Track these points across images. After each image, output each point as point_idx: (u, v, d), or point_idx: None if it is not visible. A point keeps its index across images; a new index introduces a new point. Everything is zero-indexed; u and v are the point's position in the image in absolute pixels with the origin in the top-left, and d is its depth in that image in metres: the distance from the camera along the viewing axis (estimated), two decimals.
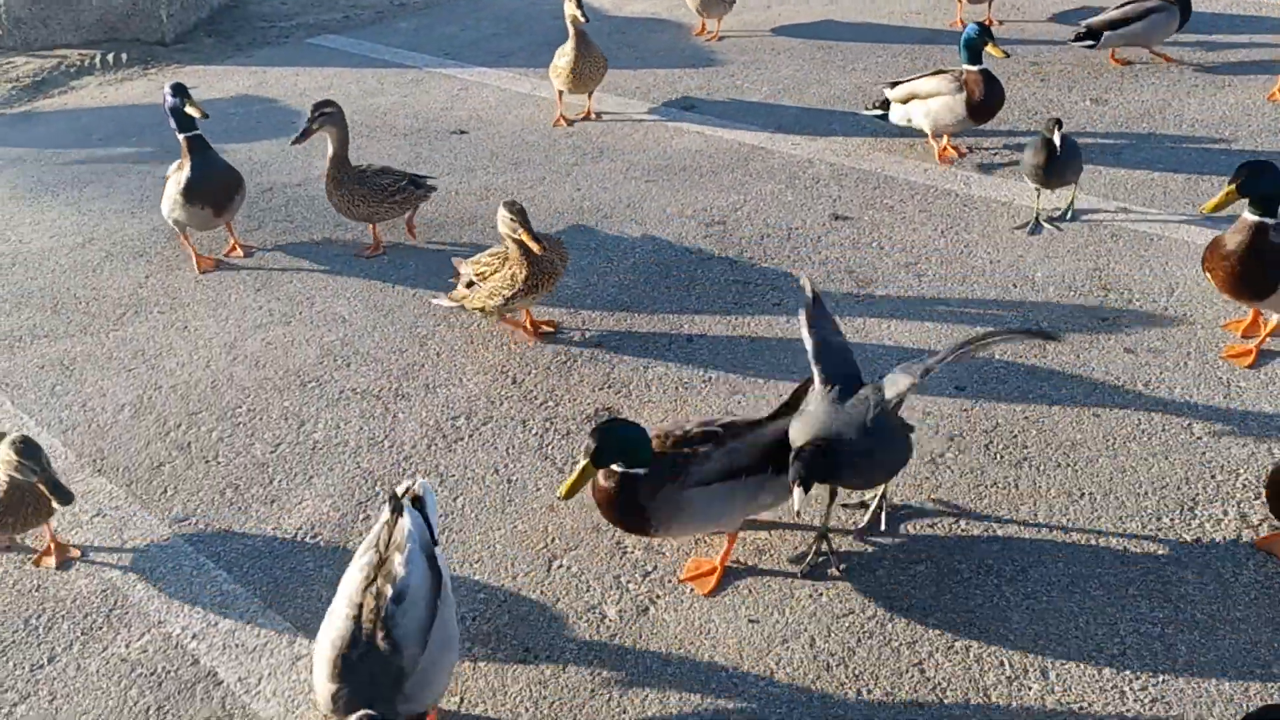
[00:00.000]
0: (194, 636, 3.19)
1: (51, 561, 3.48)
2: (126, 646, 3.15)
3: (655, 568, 3.35)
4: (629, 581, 3.31)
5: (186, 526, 3.64)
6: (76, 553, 3.54)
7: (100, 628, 3.23)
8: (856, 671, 2.93)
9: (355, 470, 3.87)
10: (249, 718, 2.91)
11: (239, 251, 5.45)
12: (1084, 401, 3.89)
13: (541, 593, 3.29)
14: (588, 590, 3.28)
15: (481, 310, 4.45)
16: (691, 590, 3.25)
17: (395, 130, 6.91)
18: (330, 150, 5.15)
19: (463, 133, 6.87)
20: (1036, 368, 4.11)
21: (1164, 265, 4.69)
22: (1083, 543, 3.29)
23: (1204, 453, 3.59)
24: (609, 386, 4.24)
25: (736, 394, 4.13)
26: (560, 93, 6.73)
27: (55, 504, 3.25)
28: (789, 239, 5.19)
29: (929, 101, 5.55)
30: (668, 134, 6.46)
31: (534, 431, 4.02)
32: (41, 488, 3.22)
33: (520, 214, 4.20)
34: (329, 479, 3.83)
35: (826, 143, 6.18)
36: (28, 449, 3.24)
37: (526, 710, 2.89)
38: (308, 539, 3.56)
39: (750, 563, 3.33)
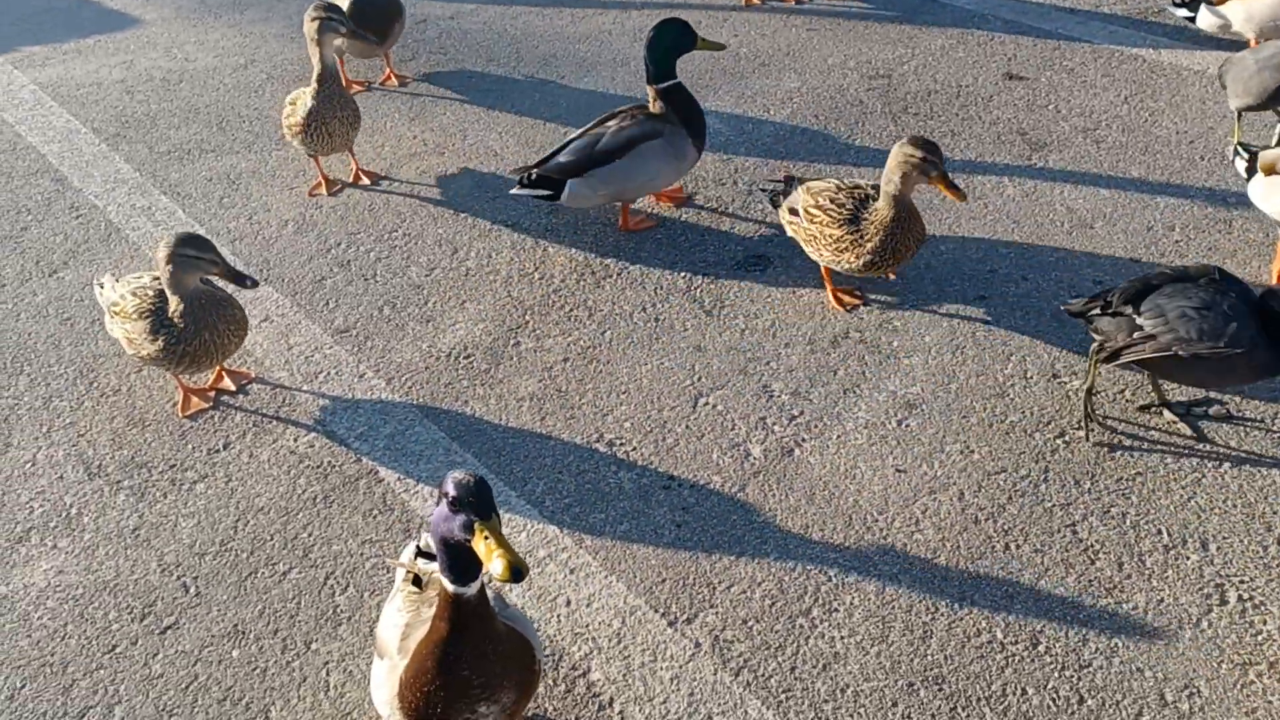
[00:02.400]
0: (357, 437, 3.34)
1: (229, 384, 3.54)
2: (294, 441, 3.33)
3: (801, 412, 3.34)
4: (774, 423, 3.31)
5: (347, 338, 3.78)
6: (250, 375, 3.60)
7: (270, 423, 3.41)
8: (1006, 527, 2.89)
9: (507, 298, 3.93)
10: (407, 513, 3.06)
11: (393, 80, 5.49)
12: (1268, 278, 3.65)
13: (687, 427, 3.32)
14: (733, 428, 3.30)
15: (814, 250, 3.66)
16: (838, 436, 3.24)
17: None
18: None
19: None
20: (1219, 243, 3.86)
21: None
22: (1258, 420, 3.13)
23: None
24: (760, 235, 4.17)
25: None
26: None
27: (239, 288, 3.16)
28: (958, 97, 4.93)
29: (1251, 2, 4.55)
30: None
31: (681, 275, 4.00)
32: (221, 277, 3.12)
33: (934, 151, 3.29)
34: (481, 304, 3.91)
35: None
36: (189, 239, 3.08)
37: (669, 532, 2.96)
38: (460, 359, 3.66)
39: (900, 416, 3.29)
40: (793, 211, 3.72)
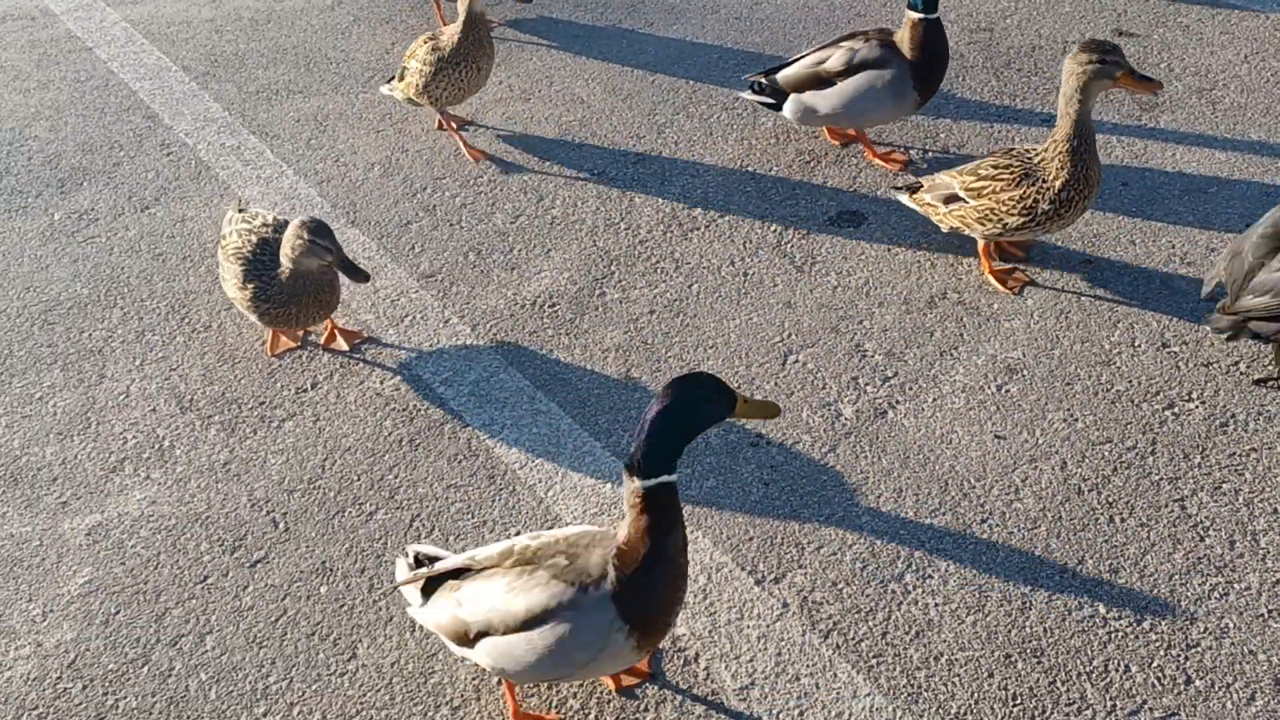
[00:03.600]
0: (442, 383, 3.33)
1: (342, 344, 3.48)
2: (381, 384, 3.33)
3: (895, 373, 3.24)
4: (867, 384, 3.22)
5: (433, 282, 3.76)
6: (363, 334, 3.52)
7: (357, 364, 3.41)
8: (1110, 499, 2.78)
9: (592, 248, 3.88)
10: (492, 459, 3.04)
11: None
12: None
13: (776, 384, 3.25)
14: (824, 388, 3.22)
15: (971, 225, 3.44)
16: (934, 399, 3.14)
17: None
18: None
19: None
20: None
21: None
22: None
23: None
24: (854, 190, 4.05)
25: None
26: None
27: (352, 281, 3.18)
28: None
29: None
30: None
31: (772, 229, 3.91)
32: (336, 268, 3.14)
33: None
34: (566, 254, 3.86)
35: None
36: (319, 228, 3.11)
37: (756, 490, 2.90)
38: (545, 307, 3.62)
39: (1000, 381, 3.17)
40: (949, 200, 3.44)
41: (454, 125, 4.47)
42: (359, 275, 3.15)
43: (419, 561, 2.36)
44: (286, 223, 3.27)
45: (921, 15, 3.78)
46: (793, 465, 2.98)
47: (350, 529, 2.85)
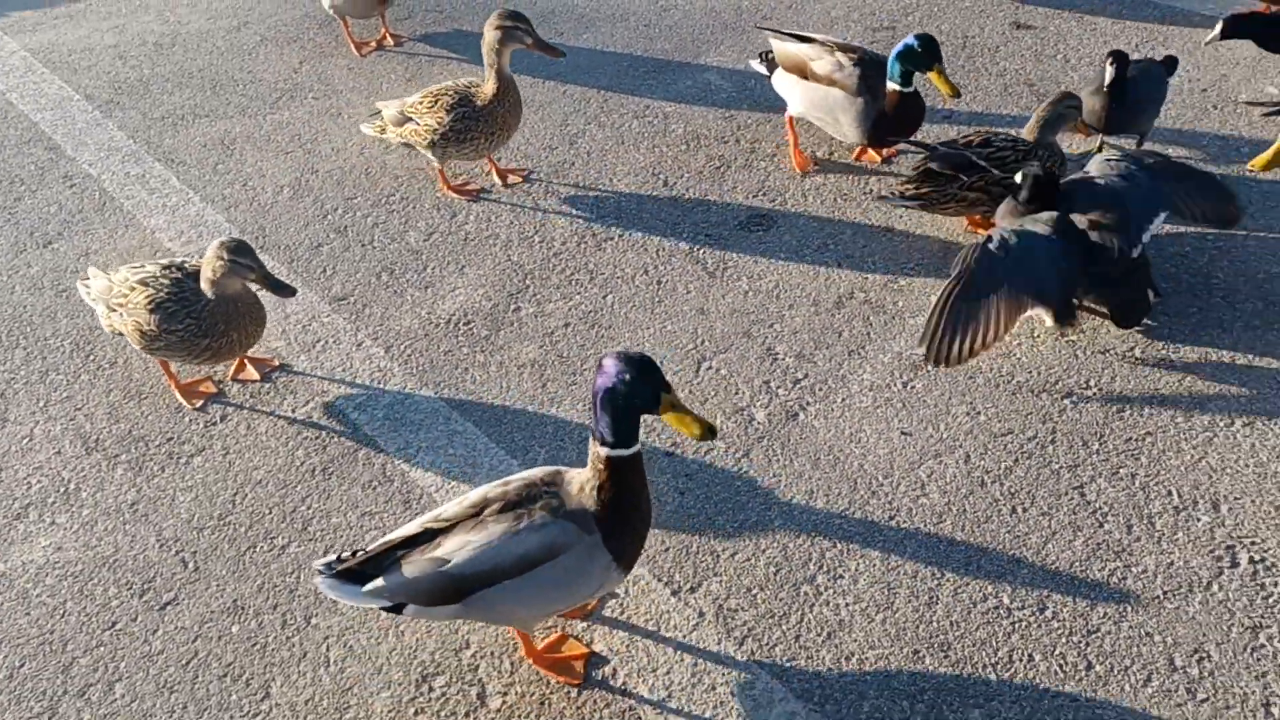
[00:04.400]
0: (356, 408, 3.31)
1: (253, 373, 3.43)
2: (293, 412, 3.30)
3: (806, 375, 3.29)
4: (779, 387, 3.26)
5: (345, 305, 3.73)
6: (274, 362, 3.48)
7: (268, 394, 3.38)
8: (1012, 490, 2.85)
9: (506, 263, 3.87)
10: (407, 484, 3.03)
11: (390, 40, 5.39)
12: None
13: (691, 391, 3.27)
14: (737, 393, 3.26)
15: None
16: (843, 399, 3.19)
17: None
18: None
19: None
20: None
21: None
22: (1270, 378, 3.07)
23: None
24: (763, 194, 4.10)
25: (896, 210, 3.93)
26: None
27: (277, 297, 3.13)
28: (964, 48, 4.81)
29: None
30: None
31: (684, 236, 3.94)
32: (261, 285, 3.05)
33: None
34: (480, 270, 3.85)
35: None
36: (239, 246, 3.02)
37: (672, 499, 2.93)
38: (460, 325, 3.61)
39: (905, 378, 3.23)
40: (402, 123, 4.08)
41: (446, 178, 4.27)
42: (284, 290, 3.08)
43: (340, 560, 2.34)
44: (179, 263, 3.20)
45: (900, 89, 3.78)
46: (707, 473, 3.01)
47: (262, 564, 2.82)
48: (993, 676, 2.42)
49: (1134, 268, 3.14)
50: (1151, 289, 3.24)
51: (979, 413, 3.09)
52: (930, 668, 2.45)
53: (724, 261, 3.79)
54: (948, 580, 2.64)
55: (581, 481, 2.26)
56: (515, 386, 3.34)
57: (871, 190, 4.05)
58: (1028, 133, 3.60)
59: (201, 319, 3.12)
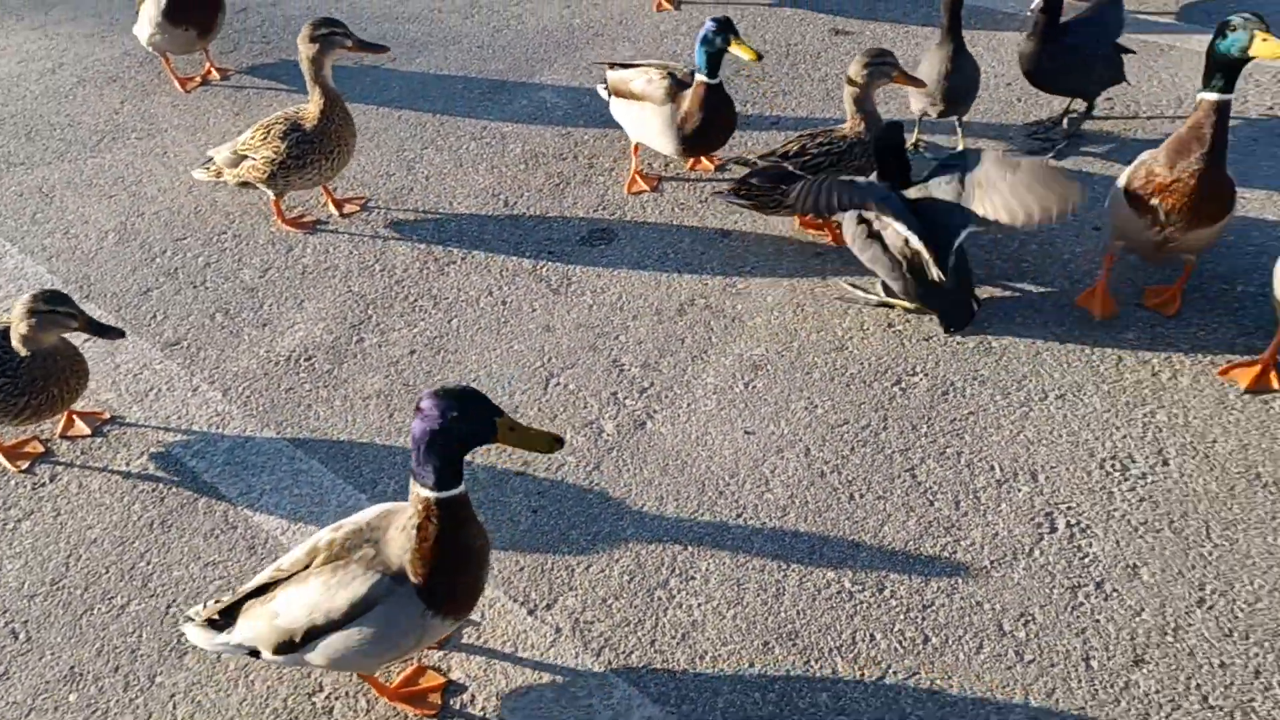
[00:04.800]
0: (194, 455, 3.21)
1: (82, 428, 3.28)
2: (127, 465, 3.18)
3: (652, 384, 3.35)
4: (626, 397, 3.31)
5: (178, 350, 3.62)
6: (104, 415, 3.35)
7: (99, 448, 3.24)
8: (850, 478, 2.97)
9: (347, 294, 3.82)
10: (252, 529, 2.95)
11: (215, 74, 5.25)
12: (1084, 217, 3.82)
13: (539, 410, 3.30)
14: (585, 407, 3.29)
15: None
16: (688, 404, 3.26)
17: None
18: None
19: None
20: None
21: (1173, 77, 4.52)
22: (1078, 353, 3.28)
23: (1205, 262, 3.54)
24: (603, 209, 4.15)
25: (734, 212, 4.04)
26: None
27: (105, 339, 3.12)
28: (788, 56, 4.99)
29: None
30: None
31: (527, 254, 3.96)
32: (85, 332, 2.95)
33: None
34: (320, 303, 3.79)
35: None
36: (53, 296, 2.91)
37: (525, 518, 2.94)
38: (301, 361, 3.54)
39: (747, 379, 3.33)
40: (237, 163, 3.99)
41: (282, 212, 4.15)
42: (110, 332, 2.99)
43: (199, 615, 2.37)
44: None
45: (705, 80, 3.80)
46: (559, 489, 3.03)
47: (100, 627, 2.71)
48: (838, 659, 2.52)
49: (958, 276, 3.31)
50: (975, 300, 3.41)
51: (816, 406, 3.20)
52: (779, 658, 2.53)
53: (568, 277, 3.83)
54: (793, 571, 2.74)
55: (401, 525, 2.22)
56: (361, 419, 3.30)
57: (707, 200, 4.15)
58: (849, 126, 3.72)
59: (17, 377, 2.97)
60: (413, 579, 2.18)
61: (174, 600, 2.77)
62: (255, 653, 2.31)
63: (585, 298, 3.73)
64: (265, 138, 3.90)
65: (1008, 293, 3.55)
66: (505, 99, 4.92)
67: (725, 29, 3.71)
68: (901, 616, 2.60)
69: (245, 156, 3.95)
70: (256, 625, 2.27)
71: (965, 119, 4.15)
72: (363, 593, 2.18)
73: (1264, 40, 2.90)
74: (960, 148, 4.15)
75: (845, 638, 2.57)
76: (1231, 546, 2.66)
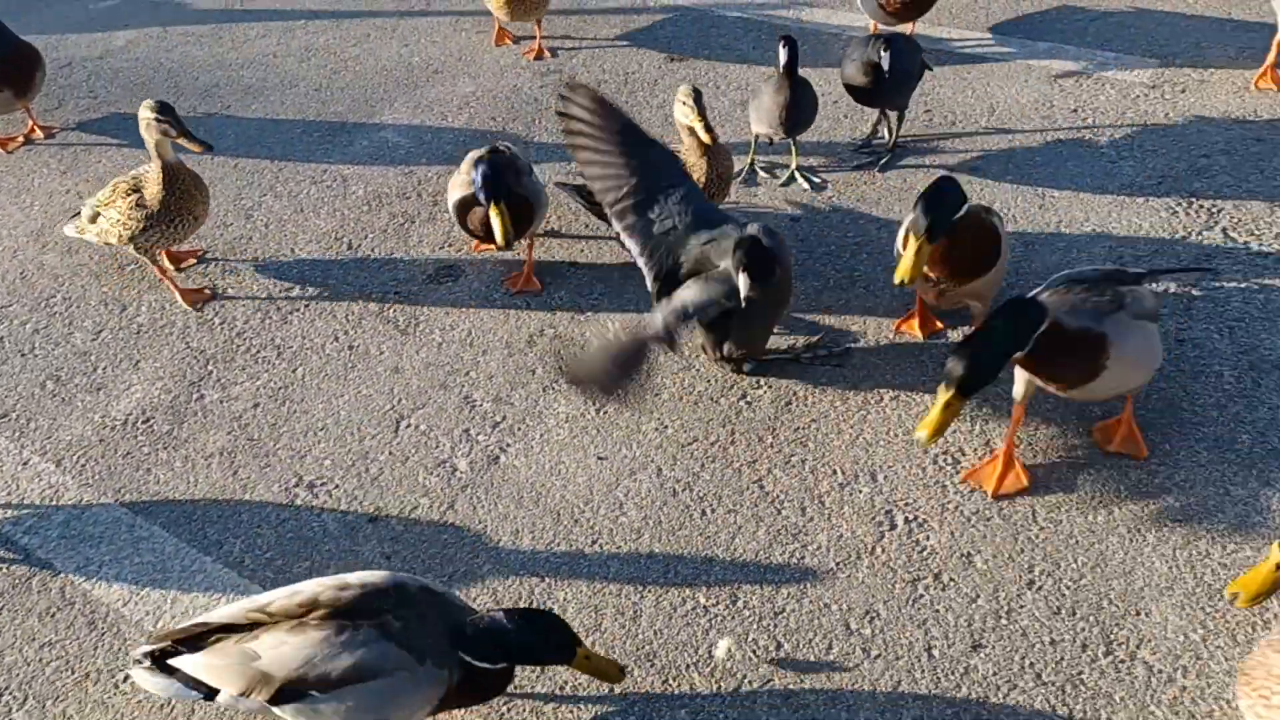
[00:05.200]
0: (26, 532, 3.06)
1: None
2: None
3: (504, 417, 3.35)
4: (479, 433, 3.30)
5: (6, 423, 3.45)
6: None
7: None
8: (701, 494, 3.02)
9: (185, 351, 3.71)
10: (90, 603, 2.83)
11: (39, 133, 5.04)
12: None
13: (390, 454, 3.26)
14: (437, 446, 3.27)
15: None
16: (541, 435, 3.27)
17: None
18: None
19: None
20: (865, 194, 4.19)
21: (985, 88, 4.78)
22: (910, 355, 3.42)
23: (1018, 262, 3.75)
24: (449, 246, 4.14)
25: (579, 242, 4.09)
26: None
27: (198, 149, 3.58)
28: (626, 84, 5.08)
29: None
30: None
31: (373, 296, 3.91)
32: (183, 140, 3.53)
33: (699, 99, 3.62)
34: (157, 362, 3.67)
35: None
36: (163, 105, 3.58)
37: (378, 566, 2.90)
38: (139, 424, 3.42)
39: (597, 405, 3.36)
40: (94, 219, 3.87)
41: (165, 269, 4.00)
42: (205, 144, 3.63)
43: (151, 655, 2.29)
44: None
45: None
46: (413, 532, 3.00)
47: None
48: (695, 675, 2.56)
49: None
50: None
51: (667, 426, 3.26)
52: (639, 679, 2.55)
53: (415, 317, 3.80)
54: (649, 592, 2.77)
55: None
56: (204, 479, 3.20)
57: (552, 231, 4.19)
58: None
59: None
60: (453, 676, 2.22)
61: (6, 687, 2.62)
62: (212, 694, 2.24)
63: (434, 336, 3.71)
64: (112, 197, 3.79)
65: (843, 301, 3.67)
66: (345, 141, 4.87)
67: (493, 191, 3.50)
68: (755, 626, 2.66)
69: (99, 214, 3.84)
70: (227, 662, 2.19)
71: (800, 138, 4.29)
72: (374, 659, 2.16)
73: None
74: (794, 165, 4.29)
75: (701, 653, 2.61)
76: (1055, 528, 2.81)
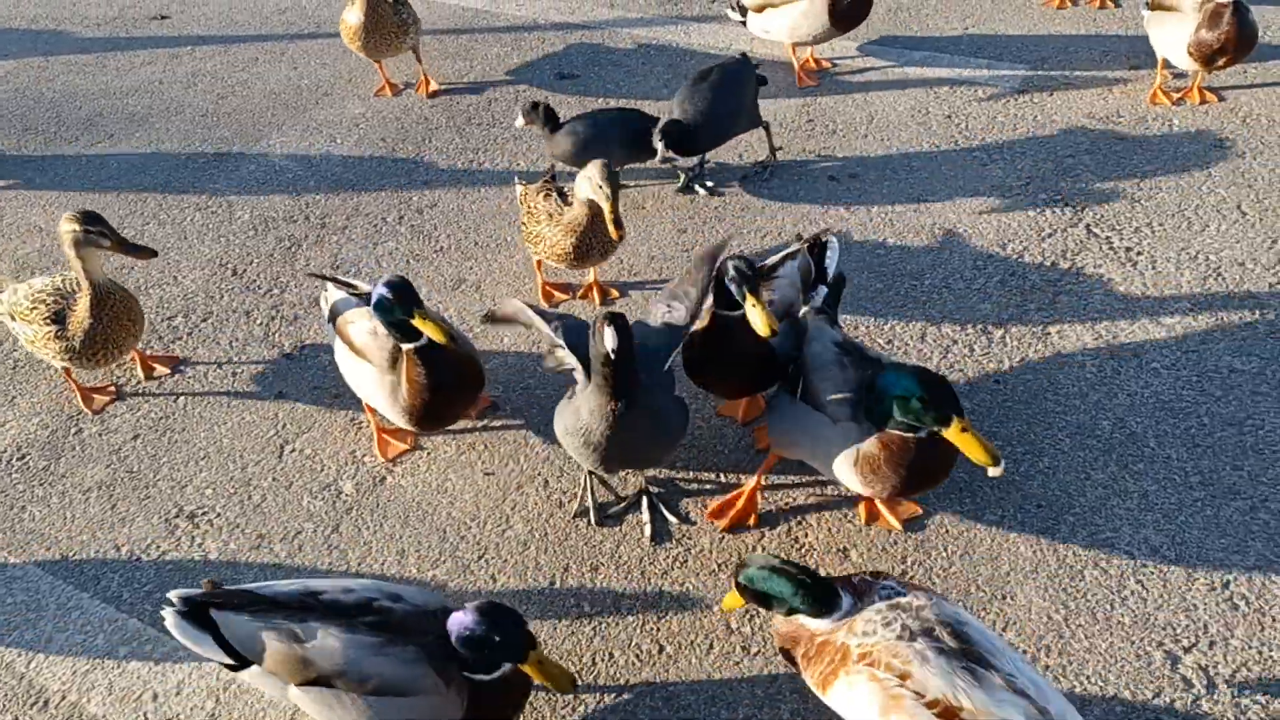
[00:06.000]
0: None
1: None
2: None
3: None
4: (365, 455, 3.28)
5: None
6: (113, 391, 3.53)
7: None
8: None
9: (63, 384, 3.62)
10: None
11: None
12: (791, 231, 4.08)
13: (274, 479, 3.22)
14: (323, 470, 3.24)
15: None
16: (429, 452, 3.26)
17: (89, 20, 6.28)
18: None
19: (164, 17, 6.32)
20: (749, 204, 4.27)
21: (864, 95, 4.92)
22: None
23: (896, 263, 3.86)
24: (338, 267, 4.11)
25: (469, 260, 4.09)
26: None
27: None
28: (516, 102, 5.10)
29: (784, 10, 4.72)
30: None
31: (259, 321, 3.87)
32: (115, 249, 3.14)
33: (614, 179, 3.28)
34: (34, 397, 3.57)
35: (550, 3, 6.06)
36: (89, 215, 3.16)
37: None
38: (14, 461, 3.32)
39: (485, 419, 3.36)
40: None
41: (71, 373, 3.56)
42: (144, 251, 3.27)
43: (189, 602, 2.34)
44: None
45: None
46: (298, 556, 2.96)
47: None
48: (580, 682, 2.57)
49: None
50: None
51: (554, 439, 3.27)
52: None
53: (301, 340, 3.76)
54: (534, 601, 2.78)
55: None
56: (81, 514, 3.13)
57: (443, 250, 4.18)
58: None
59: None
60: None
61: None
62: (240, 665, 2.30)
63: (320, 359, 3.67)
64: (29, 312, 3.33)
65: None
66: (231, 166, 4.80)
67: (403, 300, 2.78)
68: (638, 630, 2.68)
69: (13, 317, 3.41)
70: (273, 636, 2.26)
71: (708, 157, 4.36)
72: (409, 679, 2.22)
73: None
74: (685, 178, 4.36)
75: (586, 660, 2.62)
76: (927, 517, 2.89)
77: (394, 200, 4.48)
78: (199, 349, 3.75)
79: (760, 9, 4.82)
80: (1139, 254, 3.78)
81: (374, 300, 2.83)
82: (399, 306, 2.78)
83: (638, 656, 2.62)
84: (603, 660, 2.62)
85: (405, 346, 2.87)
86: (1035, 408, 3.19)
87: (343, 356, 3.15)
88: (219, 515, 3.11)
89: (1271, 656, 2.48)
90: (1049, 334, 3.46)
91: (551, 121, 4.12)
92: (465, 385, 2.97)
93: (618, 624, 2.70)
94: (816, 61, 5.14)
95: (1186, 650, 2.51)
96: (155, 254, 3.33)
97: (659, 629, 2.68)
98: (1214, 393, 3.19)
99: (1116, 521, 2.83)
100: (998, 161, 4.37)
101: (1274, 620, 2.55)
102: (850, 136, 4.61)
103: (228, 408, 3.50)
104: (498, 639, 2.17)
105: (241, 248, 4.27)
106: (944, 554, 2.79)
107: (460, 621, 2.19)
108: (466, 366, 2.97)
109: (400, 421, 2.99)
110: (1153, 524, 2.81)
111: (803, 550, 2.85)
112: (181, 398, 3.55)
